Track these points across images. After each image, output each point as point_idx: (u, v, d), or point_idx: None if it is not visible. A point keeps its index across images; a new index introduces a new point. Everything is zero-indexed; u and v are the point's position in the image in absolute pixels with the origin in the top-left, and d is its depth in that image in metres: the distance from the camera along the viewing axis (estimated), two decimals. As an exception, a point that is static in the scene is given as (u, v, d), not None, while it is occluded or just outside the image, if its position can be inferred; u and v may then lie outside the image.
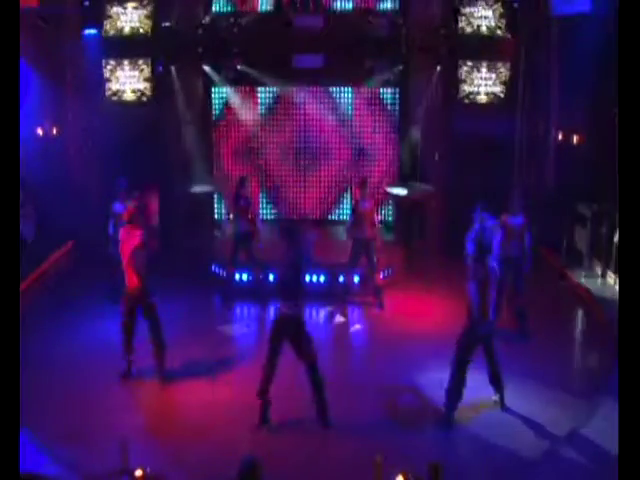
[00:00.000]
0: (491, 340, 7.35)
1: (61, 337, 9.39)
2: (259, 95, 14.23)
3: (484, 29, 12.64)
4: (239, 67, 13.45)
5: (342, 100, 14.26)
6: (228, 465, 4.75)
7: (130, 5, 12.77)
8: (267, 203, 14.49)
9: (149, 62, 13.07)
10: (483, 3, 12.62)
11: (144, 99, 13.14)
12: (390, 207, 14.39)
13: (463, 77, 12.89)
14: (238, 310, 11.03)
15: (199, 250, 12.60)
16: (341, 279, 11.21)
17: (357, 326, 10.43)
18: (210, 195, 14.26)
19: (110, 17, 12.75)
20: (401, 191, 13.28)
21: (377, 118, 14.30)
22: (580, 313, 10.44)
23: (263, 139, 14.31)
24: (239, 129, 14.31)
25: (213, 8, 13.63)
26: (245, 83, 13.83)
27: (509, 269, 9.53)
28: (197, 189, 13.44)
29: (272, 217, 14.36)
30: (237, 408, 7.66)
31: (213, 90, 14.14)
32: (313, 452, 6.88)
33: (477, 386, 7.57)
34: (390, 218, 14.37)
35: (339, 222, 14.11)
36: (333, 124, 14.26)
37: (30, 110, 11.59)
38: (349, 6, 13.76)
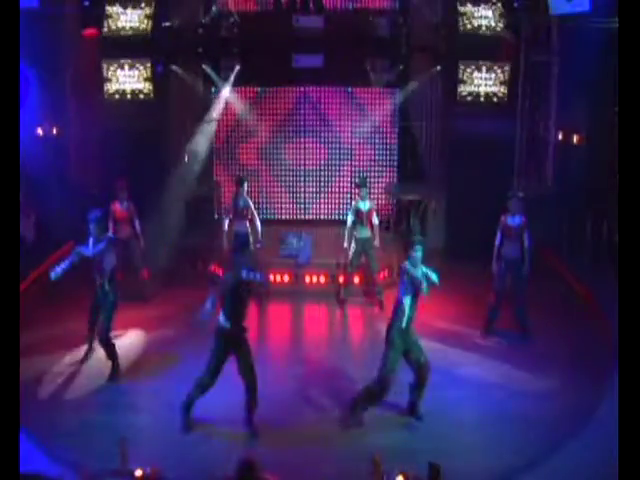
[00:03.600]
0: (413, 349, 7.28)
1: (61, 337, 9.38)
2: (258, 95, 14.22)
3: (484, 29, 12.62)
4: (239, 67, 13.45)
5: (342, 100, 14.25)
6: (228, 465, 4.75)
7: (130, 5, 12.75)
8: (266, 204, 14.47)
9: (149, 62, 13.04)
10: (483, 3, 12.61)
11: (144, 99, 13.12)
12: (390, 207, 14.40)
13: (463, 77, 12.88)
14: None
15: (198, 250, 12.60)
16: (341, 279, 11.21)
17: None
18: (210, 195, 14.27)
19: (110, 17, 12.72)
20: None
21: (377, 118, 14.29)
22: (580, 313, 10.42)
23: (262, 139, 14.30)
24: (239, 129, 14.31)
25: (213, 8, 13.63)
26: (245, 83, 13.83)
27: (509, 269, 9.54)
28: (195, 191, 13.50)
29: (272, 218, 14.31)
30: (237, 408, 7.66)
31: (213, 90, 14.14)
32: (312, 452, 6.88)
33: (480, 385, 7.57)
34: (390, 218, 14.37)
35: (340, 222, 14.11)
36: (333, 124, 14.26)
37: (30, 110, 11.58)
38: (349, 6, 13.76)
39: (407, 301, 7.18)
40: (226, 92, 13.77)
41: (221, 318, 7.09)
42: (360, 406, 7.38)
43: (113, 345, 8.41)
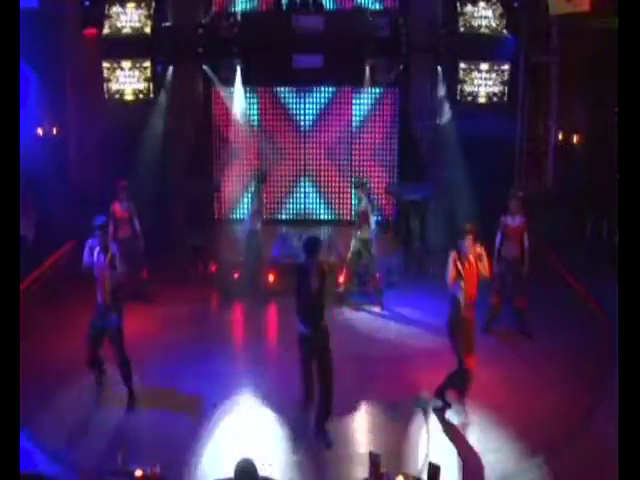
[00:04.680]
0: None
1: (61, 337, 9.38)
2: (258, 95, 14.23)
3: (484, 29, 12.63)
4: (239, 67, 13.46)
5: (342, 100, 14.25)
6: (227, 465, 4.74)
7: (130, 5, 12.74)
8: (266, 203, 14.45)
9: (149, 62, 13.05)
10: (483, 3, 12.62)
11: (144, 99, 13.13)
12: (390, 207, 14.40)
13: (463, 77, 12.89)
14: (238, 309, 11.04)
15: (199, 250, 12.60)
16: (341, 279, 11.21)
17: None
18: (210, 195, 14.28)
19: (110, 17, 12.72)
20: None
21: (377, 118, 14.30)
22: (580, 313, 10.42)
23: (263, 139, 14.31)
24: (239, 129, 14.31)
25: (213, 8, 13.65)
26: (245, 83, 13.83)
27: (509, 269, 9.54)
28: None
29: (272, 218, 14.31)
30: (237, 407, 7.67)
31: (213, 90, 14.14)
32: (312, 453, 6.88)
33: (480, 385, 7.57)
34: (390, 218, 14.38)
35: (340, 222, 14.14)
36: (333, 124, 14.26)
37: (30, 110, 11.58)
38: (349, 6, 13.77)
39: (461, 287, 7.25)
40: (226, 92, 13.78)
41: (300, 325, 6.87)
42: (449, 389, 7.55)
43: (130, 369, 7.79)
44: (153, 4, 12.83)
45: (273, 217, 14.35)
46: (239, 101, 13.99)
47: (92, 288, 8.29)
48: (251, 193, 11.30)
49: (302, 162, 14.46)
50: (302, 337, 6.93)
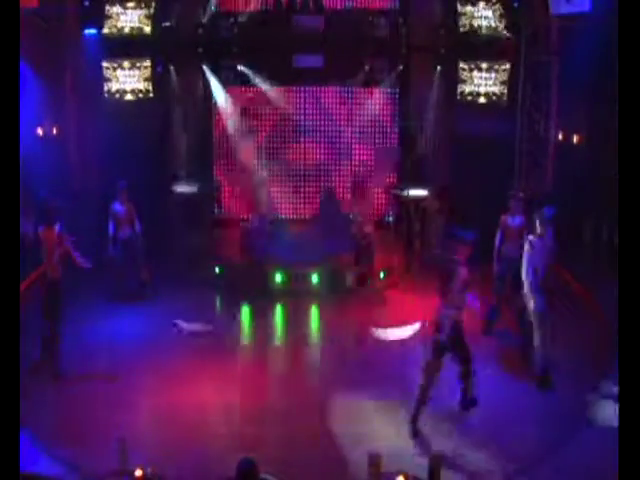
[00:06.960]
0: None
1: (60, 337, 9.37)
2: (258, 95, 14.23)
3: (484, 29, 12.64)
4: (239, 67, 13.47)
5: (342, 100, 14.25)
6: (227, 465, 4.74)
7: (130, 5, 12.76)
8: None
9: (149, 62, 13.06)
10: (483, 3, 12.62)
11: (144, 99, 13.12)
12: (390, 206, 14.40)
13: (463, 77, 12.89)
14: (238, 309, 11.05)
15: (199, 249, 12.61)
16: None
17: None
18: (210, 195, 14.28)
19: (110, 17, 12.73)
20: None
21: (377, 118, 14.30)
22: (580, 313, 10.42)
23: (263, 139, 14.31)
24: (239, 129, 14.30)
25: (213, 8, 13.65)
26: (245, 83, 13.83)
27: (509, 269, 9.53)
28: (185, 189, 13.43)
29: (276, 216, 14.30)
30: (237, 407, 7.67)
31: (213, 90, 14.14)
32: (312, 452, 6.88)
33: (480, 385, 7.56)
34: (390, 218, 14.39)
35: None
36: (333, 124, 14.26)
37: (30, 110, 11.55)
38: (349, 6, 13.77)
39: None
40: (226, 92, 13.79)
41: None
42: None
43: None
44: (153, 4, 12.85)
45: (272, 217, 14.33)
46: (239, 101, 13.98)
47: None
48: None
49: (302, 162, 14.45)
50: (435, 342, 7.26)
